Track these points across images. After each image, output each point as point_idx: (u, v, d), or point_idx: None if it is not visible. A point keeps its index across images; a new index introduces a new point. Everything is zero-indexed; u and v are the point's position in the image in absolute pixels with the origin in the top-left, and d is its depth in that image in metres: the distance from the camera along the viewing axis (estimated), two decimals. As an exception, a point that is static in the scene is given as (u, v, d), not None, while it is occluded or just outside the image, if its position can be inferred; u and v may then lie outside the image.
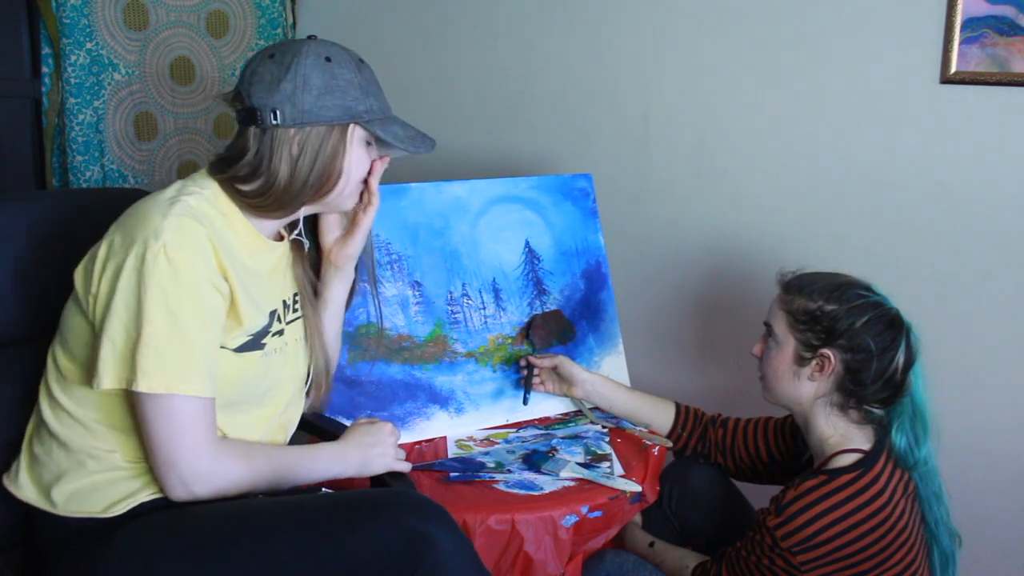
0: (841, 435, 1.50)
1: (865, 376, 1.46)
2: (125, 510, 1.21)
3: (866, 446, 1.48)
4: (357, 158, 1.31)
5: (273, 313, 1.33)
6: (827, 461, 1.49)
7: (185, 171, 2.45)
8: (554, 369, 1.79)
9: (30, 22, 2.28)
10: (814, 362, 1.50)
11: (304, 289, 1.42)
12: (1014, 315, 1.84)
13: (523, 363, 1.80)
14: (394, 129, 1.32)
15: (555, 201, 1.94)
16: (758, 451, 1.71)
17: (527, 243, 1.89)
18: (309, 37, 1.31)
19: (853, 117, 1.95)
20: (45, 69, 2.21)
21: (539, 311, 1.87)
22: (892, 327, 1.47)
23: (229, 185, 1.27)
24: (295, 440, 1.43)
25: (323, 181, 1.29)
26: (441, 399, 1.75)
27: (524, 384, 1.79)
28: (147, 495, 1.22)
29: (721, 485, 1.77)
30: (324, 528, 1.15)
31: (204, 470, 1.18)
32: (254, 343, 1.29)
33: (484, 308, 1.82)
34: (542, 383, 1.80)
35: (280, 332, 1.35)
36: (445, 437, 1.72)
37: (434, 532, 1.14)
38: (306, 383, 1.44)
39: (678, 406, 1.78)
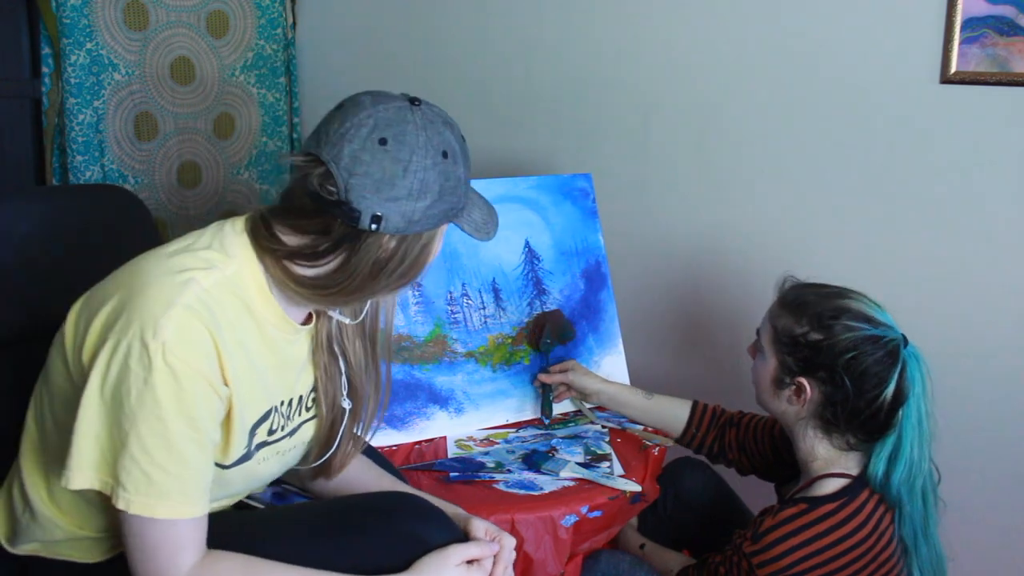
0: (824, 459, 1.43)
1: (841, 412, 1.38)
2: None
3: (854, 470, 1.41)
4: (439, 247, 1.12)
5: (273, 411, 1.15)
6: (810, 484, 1.42)
7: (185, 172, 2.45)
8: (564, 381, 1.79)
9: (30, 22, 2.28)
10: (792, 387, 1.43)
11: (324, 383, 1.20)
12: (1015, 314, 1.84)
13: (536, 384, 1.81)
14: (474, 217, 1.13)
15: (555, 201, 1.94)
16: (767, 448, 1.70)
17: (527, 243, 1.89)
18: (411, 101, 1.05)
19: (853, 117, 1.95)
20: (45, 69, 2.21)
21: (539, 311, 1.87)
22: (881, 364, 1.35)
23: (273, 258, 1.07)
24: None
25: (405, 281, 1.11)
26: (441, 399, 1.75)
27: (542, 403, 1.80)
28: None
29: (715, 487, 1.76)
30: (332, 532, 1.14)
31: None
32: (247, 455, 1.12)
33: (484, 308, 1.82)
34: (556, 396, 1.81)
35: (282, 436, 1.18)
36: (445, 437, 1.72)
37: (428, 534, 1.16)
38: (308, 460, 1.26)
39: (695, 405, 1.74)
